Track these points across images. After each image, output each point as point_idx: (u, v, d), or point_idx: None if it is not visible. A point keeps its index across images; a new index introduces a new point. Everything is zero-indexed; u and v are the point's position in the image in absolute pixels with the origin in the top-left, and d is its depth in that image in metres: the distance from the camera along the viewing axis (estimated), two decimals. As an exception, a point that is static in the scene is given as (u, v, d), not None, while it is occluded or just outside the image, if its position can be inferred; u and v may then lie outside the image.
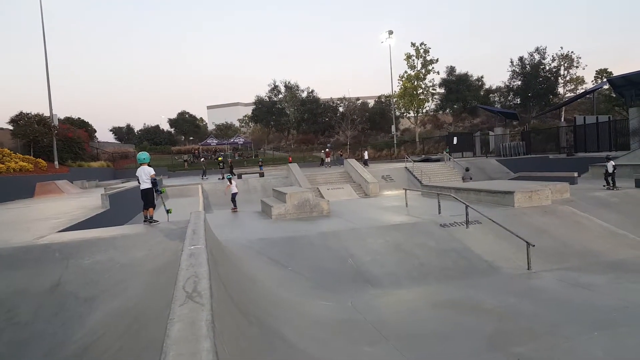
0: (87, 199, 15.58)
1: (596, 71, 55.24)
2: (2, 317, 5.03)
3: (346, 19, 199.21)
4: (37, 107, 66.97)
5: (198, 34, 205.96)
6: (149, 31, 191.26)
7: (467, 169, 23.54)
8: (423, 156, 43.17)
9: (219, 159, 33.31)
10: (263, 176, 31.04)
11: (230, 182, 19.09)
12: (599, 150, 26.44)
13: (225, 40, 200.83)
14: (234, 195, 18.76)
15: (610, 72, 51.91)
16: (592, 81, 54.34)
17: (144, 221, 7.91)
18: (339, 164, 38.51)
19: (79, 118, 54.16)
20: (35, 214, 12.63)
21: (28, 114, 32.69)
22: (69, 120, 48.90)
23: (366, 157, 40.23)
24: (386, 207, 14.98)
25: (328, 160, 40.63)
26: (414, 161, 33.69)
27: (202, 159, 39.69)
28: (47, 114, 31.63)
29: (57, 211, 12.85)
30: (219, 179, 30.24)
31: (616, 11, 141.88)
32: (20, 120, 31.58)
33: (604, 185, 15.79)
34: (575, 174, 19.26)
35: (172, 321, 2.55)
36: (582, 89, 52.25)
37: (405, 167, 31.46)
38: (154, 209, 8.01)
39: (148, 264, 6.06)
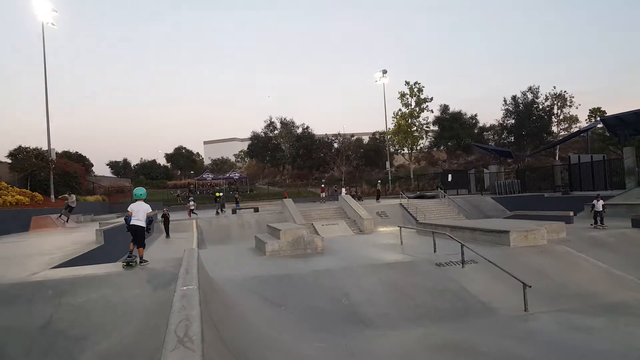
0: (82, 234, 15.47)
1: (590, 110, 56.06)
2: (-9, 356, 4.94)
3: (342, 58, 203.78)
4: (35, 141, 67.47)
5: (196, 71, 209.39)
6: (147, 67, 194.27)
7: None
8: (418, 193, 43.22)
9: (217, 194, 33.30)
10: (257, 211, 31.03)
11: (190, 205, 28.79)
12: (594, 189, 26.62)
13: (222, 77, 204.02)
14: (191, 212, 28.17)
15: (604, 111, 52.62)
16: (586, 120, 55.20)
17: (140, 262, 7.69)
18: (333, 199, 38.50)
19: (77, 152, 54.55)
20: (30, 248, 12.51)
21: (27, 148, 32.83)
22: (66, 155, 49.20)
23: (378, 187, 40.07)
24: (381, 245, 14.93)
25: (323, 195, 40.77)
26: (409, 198, 33.71)
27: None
28: (45, 147, 31.82)
29: (52, 246, 12.73)
30: (217, 213, 30.44)
31: (608, 52, 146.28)
32: (19, 154, 31.68)
33: (591, 224, 15.77)
34: (571, 213, 19.38)
35: (164, 367, 2.53)
36: (576, 127, 53.10)
37: (400, 204, 31.49)
38: (144, 248, 7.83)
39: (141, 304, 5.99)
